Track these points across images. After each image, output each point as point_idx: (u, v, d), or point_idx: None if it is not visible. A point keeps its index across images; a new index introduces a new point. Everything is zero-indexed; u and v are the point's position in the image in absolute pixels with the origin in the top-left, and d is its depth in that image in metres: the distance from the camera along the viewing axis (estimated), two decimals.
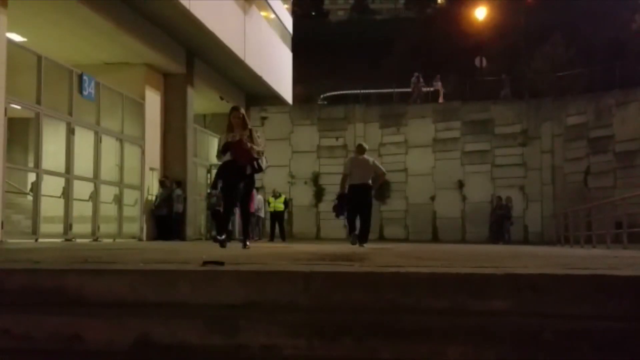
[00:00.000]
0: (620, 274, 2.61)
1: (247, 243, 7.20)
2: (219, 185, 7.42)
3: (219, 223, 7.69)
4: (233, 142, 7.08)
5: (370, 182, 9.81)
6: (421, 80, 26.41)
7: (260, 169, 7.29)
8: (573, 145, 22.36)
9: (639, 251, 8.33)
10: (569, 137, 22.54)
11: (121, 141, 14.64)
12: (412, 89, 26.39)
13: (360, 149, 10.11)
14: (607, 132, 21.38)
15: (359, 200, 9.66)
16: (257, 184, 21.94)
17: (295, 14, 28.61)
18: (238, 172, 7.11)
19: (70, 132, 12.44)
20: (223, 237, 7.05)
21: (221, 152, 7.22)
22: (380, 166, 10.23)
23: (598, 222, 14.52)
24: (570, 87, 25.12)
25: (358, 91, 29.98)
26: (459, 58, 40.36)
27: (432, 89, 27.45)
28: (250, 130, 7.28)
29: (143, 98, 15.47)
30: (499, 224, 21.02)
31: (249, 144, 7.06)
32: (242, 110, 7.45)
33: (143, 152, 15.52)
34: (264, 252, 5.93)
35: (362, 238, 9.47)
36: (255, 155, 7.16)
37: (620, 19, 39.76)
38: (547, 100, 23.96)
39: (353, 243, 9.36)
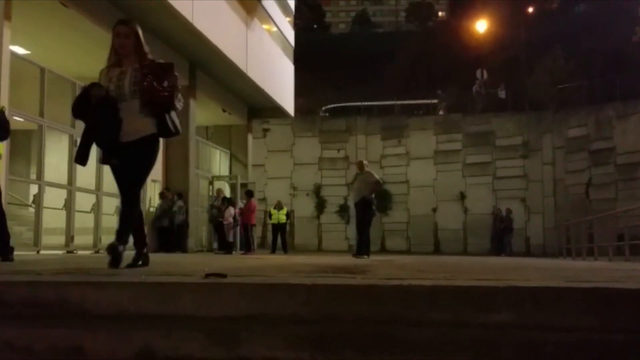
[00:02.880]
0: (623, 287, 2.61)
1: (139, 259, 4.24)
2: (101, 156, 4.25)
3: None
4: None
5: None
6: (483, 87, 26.28)
7: (176, 130, 4.20)
8: (574, 158, 22.38)
9: None
10: (570, 149, 22.56)
11: None
12: (475, 97, 26.10)
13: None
14: (608, 144, 21.40)
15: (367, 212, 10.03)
16: (259, 195, 22.11)
17: (297, 26, 28.80)
18: (115, 133, 4.05)
19: (73, 144, 12.47)
20: (120, 247, 4.10)
21: (79, 101, 4.17)
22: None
23: (600, 234, 14.49)
24: (570, 99, 25.20)
25: (359, 103, 30.17)
26: (460, 70, 40.50)
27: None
28: (152, 63, 4.19)
29: None
30: (500, 236, 21.01)
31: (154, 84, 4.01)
32: (137, 27, 4.26)
33: None
34: (266, 264, 5.93)
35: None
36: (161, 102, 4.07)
37: (621, 31, 39.94)
38: (547, 112, 24.03)
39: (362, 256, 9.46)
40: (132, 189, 4.28)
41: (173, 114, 4.21)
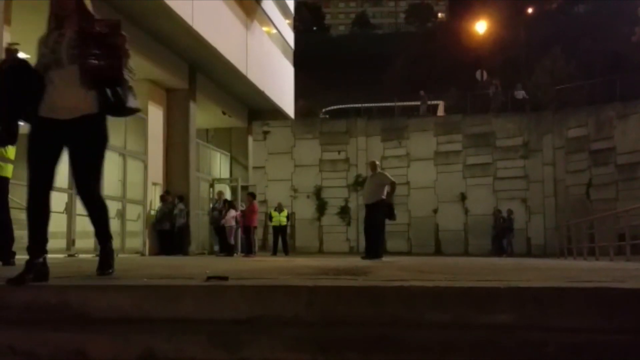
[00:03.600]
0: (625, 287, 2.61)
1: (110, 268, 3.65)
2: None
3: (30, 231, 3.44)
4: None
5: None
6: (499, 88, 26.08)
7: (122, 108, 3.39)
8: (574, 158, 22.38)
9: None
10: (570, 149, 22.57)
11: (124, 156, 14.68)
12: (492, 98, 25.90)
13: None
14: (608, 144, 21.41)
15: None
16: (259, 197, 22.13)
17: (296, 28, 28.84)
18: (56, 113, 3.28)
19: None
20: (36, 260, 3.26)
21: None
22: None
23: (601, 234, 14.47)
24: (570, 99, 25.20)
25: (360, 105, 30.14)
26: (459, 71, 40.55)
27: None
28: (94, 25, 3.39)
29: (146, 113, 15.54)
30: (501, 237, 21.03)
31: (94, 60, 3.25)
32: None
33: (146, 167, 15.56)
34: (267, 266, 5.93)
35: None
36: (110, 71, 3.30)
37: (620, 32, 39.99)
38: (548, 113, 24.03)
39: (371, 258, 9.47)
40: (88, 184, 3.46)
41: (126, 87, 3.37)
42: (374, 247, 9.78)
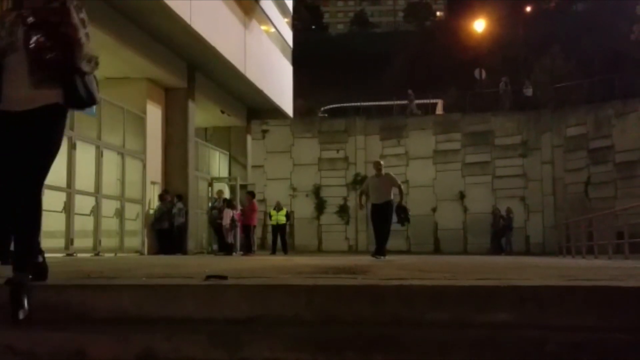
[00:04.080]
0: (623, 285, 2.62)
1: (22, 309, 2.56)
2: None
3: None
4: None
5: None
6: (509, 85, 26.11)
7: (90, 99, 3.01)
8: (573, 156, 22.40)
9: None
10: (569, 148, 22.58)
11: (122, 155, 14.66)
12: (502, 95, 25.89)
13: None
14: (607, 142, 21.43)
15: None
16: (258, 196, 22.14)
17: (295, 27, 28.81)
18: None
19: (72, 147, 12.47)
20: (35, 260, 3.06)
21: None
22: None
23: (599, 232, 14.50)
24: (569, 98, 25.23)
25: (358, 104, 30.14)
26: (458, 70, 40.55)
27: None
28: (64, 4, 2.96)
29: (144, 112, 15.52)
30: (500, 235, 21.05)
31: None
32: None
33: (144, 166, 15.54)
34: (266, 265, 5.93)
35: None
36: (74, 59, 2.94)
37: (619, 30, 39.99)
38: (546, 111, 24.05)
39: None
40: (28, 183, 2.92)
41: (89, 78, 2.99)
42: (381, 245, 9.92)
